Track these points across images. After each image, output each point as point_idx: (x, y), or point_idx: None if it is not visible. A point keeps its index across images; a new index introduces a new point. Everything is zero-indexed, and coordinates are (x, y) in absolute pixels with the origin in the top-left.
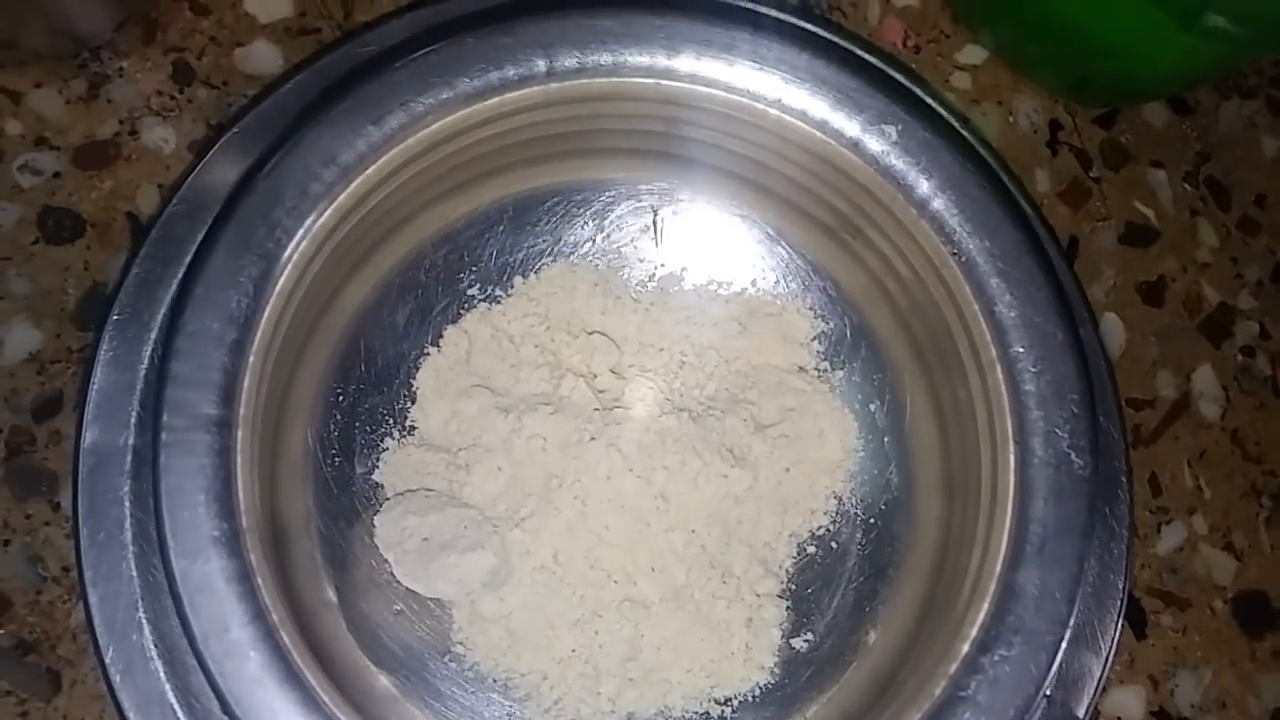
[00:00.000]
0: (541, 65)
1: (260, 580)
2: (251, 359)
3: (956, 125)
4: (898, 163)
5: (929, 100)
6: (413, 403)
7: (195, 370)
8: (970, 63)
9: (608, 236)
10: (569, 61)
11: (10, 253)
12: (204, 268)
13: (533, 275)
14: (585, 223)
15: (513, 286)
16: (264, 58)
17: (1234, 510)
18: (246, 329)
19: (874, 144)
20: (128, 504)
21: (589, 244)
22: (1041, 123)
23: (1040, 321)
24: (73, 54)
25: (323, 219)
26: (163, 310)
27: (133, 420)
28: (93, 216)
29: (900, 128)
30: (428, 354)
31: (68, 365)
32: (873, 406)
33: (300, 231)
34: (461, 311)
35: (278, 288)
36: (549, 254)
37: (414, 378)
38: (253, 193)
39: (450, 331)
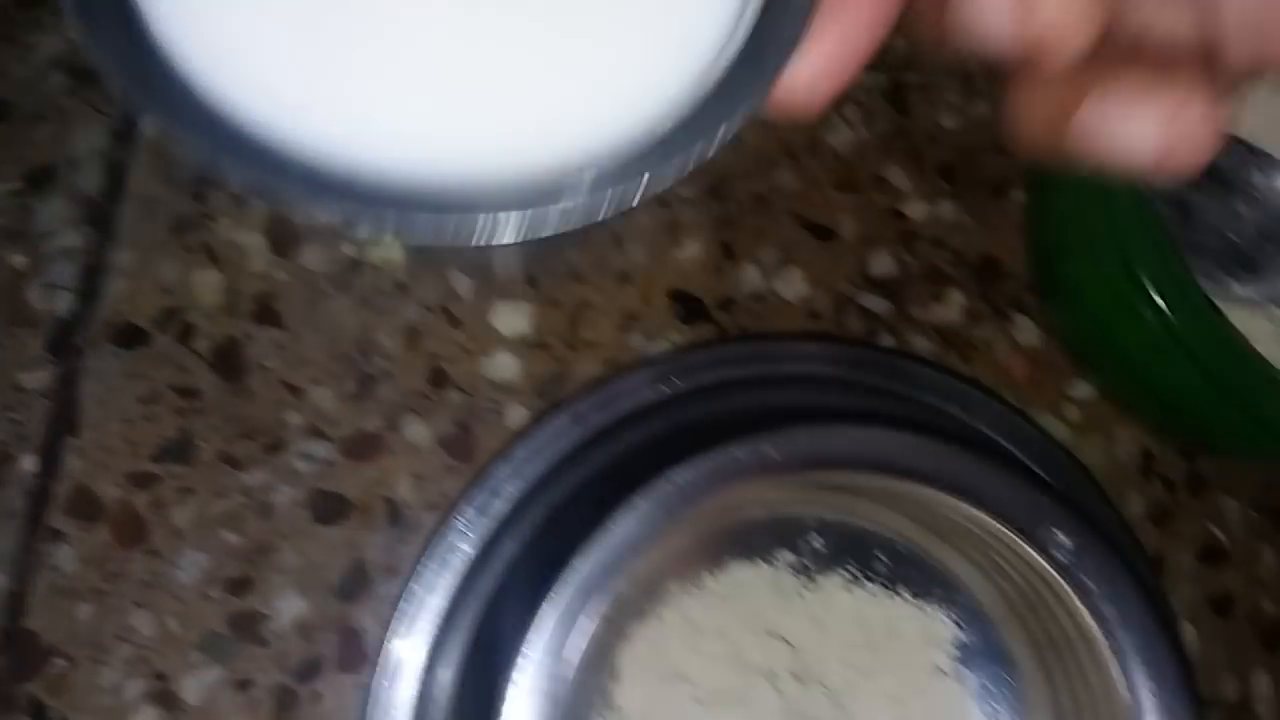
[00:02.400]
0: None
1: None
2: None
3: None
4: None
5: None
6: (616, 682)
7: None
8: (1080, 397)
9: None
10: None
11: (284, 530)
12: (542, 618)
13: (722, 574)
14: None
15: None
16: (505, 367)
17: None
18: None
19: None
20: None
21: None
22: (1136, 452)
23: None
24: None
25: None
26: (442, 610)
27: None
28: (357, 500)
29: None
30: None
31: (330, 634)
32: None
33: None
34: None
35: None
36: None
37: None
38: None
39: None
